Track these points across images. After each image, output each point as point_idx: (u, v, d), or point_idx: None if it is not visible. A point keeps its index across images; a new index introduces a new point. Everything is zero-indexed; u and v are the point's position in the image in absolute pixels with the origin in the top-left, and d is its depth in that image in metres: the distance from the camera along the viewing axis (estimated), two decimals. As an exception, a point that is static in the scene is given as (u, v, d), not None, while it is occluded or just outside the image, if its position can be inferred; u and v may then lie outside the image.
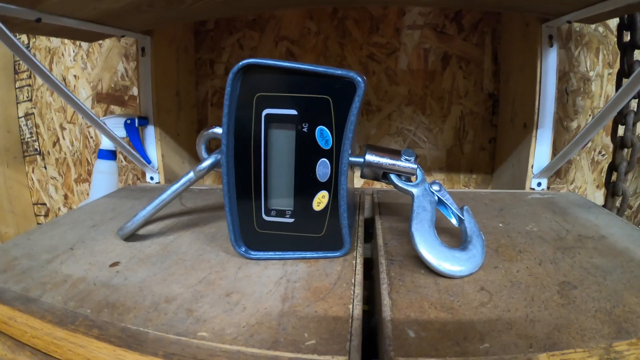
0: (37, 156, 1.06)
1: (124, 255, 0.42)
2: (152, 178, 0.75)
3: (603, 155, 0.87)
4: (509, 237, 0.45)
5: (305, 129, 0.35)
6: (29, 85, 1.02)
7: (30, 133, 1.05)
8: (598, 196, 0.88)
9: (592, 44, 0.83)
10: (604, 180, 0.88)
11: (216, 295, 0.34)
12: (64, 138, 1.02)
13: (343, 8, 0.82)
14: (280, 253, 0.38)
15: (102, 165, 0.73)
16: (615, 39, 0.71)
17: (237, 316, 0.30)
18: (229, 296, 0.33)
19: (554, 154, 0.71)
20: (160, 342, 0.29)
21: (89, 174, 1.02)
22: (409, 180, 0.40)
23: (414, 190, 0.39)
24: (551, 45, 0.69)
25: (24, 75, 1.03)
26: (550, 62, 0.69)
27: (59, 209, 1.08)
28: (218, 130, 0.40)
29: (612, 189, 0.70)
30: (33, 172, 1.08)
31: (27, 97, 1.03)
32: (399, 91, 0.86)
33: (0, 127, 1.03)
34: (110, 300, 0.34)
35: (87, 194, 1.04)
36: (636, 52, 0.68)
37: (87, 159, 1.01)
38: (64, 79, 0.98)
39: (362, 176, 0.40)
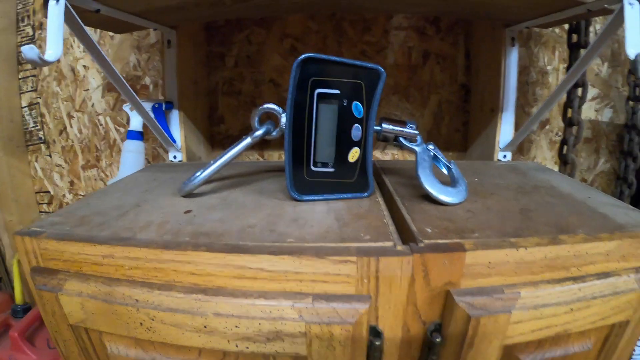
0: (42, 145, 1.16)
1: (192, 206, 0.54)
2: (175, 157, 0.89)
3: (559, 135, 1.08)
4: (482, 185, 0.63)
5: (345, 104, 0.52)
6: (34, 75, 1.12)
7: (35, 122, 1.15)
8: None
9: (549, 43, 1.03)
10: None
11: (286, 221, 0.49)
12: (71, 126, 1.13)
13: (340, 12, 0.99)
14: (323, 195, 0.55)
15: (132, 145, 0.87)
16: (568, 40, 0.92)
17: (309, 230, 0.46)
18: (296, 221, 0.49)
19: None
20: (260, 247, 0.42)
21: (98, 159, 1.14)
22: (412, 141, 0.57)
23: (417, 148, 0.56)
24: (513, 45, 0.88)
25: (28, 66, 1.12)
26: (512, 59, 0.89)
27: (64, 195, 1.19)
28: (271, 105, 0.55)
29: (563, 159, 0.91)
30: (36, 160, 1.17)
31: (32, 87, 1.13)
32: (387, 82, 1.04)
33: (4, 117, 1.12)
34: (201, 231, 0.46)
35: (95, 179, 1.15)
36: (582, 50, 0.89)
37: (95, 146, 1.13)
38: (73, 70, 1.09)
39: (378, 139, 0.57)
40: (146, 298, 0.43)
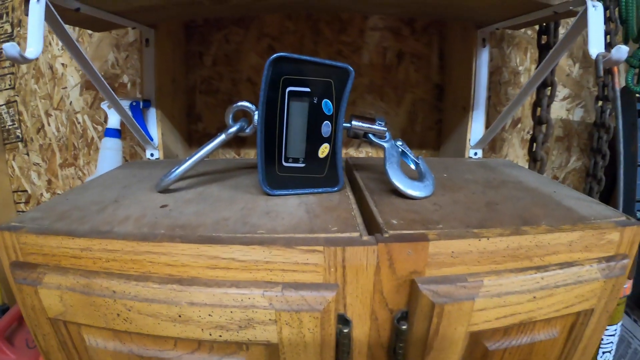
0: (19, 143, 1.16)
1: (168, 201, 0.55)
2: (152, 154, 0.90)
3: (530, 134, 1.11)
4: (451, 180, 0.66)
5: (315, 101, 0.54)
6: (12, 73, 1.12)
7: (12, 121, 1.15)
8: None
9: (521, 44, 1.07)
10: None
11: (258, 213, 0.51)
12: (49, 124, 1.13)
13: (315, 12, 1.01)
14: (294, 190, 0.57)
15: (109, 143, 0.88)
16: (540, 41, 0.95)
17: (281, 222, 0.48)
18: (269, 214, 0.51)
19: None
20: (233, 239, 0.44)
21: (75, 158, 1.14)
22: (381, 137, 0.59)
23: (385, 144, 0.58)
24: (484, 46, 0.91)
25: (6, 64, 1.12)
26: (483, 59, 0.92)
27: (42, 194, 1.19)
28: (245, 103, 0.57)
29: (533, 156, 0.95)
30: (14, 159, 1.17)
31: (10, 85, 1.13)
32: (362, 82, 1.07)
33: (-21, 115, 1.12)
34: (177, 224, 0.47)
35: (73, 178, 1.15)
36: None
37: (73, 144, 1.13)
38: (51, 67, 1.09)
39: (348, 136, 0.59)
40: (123, 289, 0.45)
